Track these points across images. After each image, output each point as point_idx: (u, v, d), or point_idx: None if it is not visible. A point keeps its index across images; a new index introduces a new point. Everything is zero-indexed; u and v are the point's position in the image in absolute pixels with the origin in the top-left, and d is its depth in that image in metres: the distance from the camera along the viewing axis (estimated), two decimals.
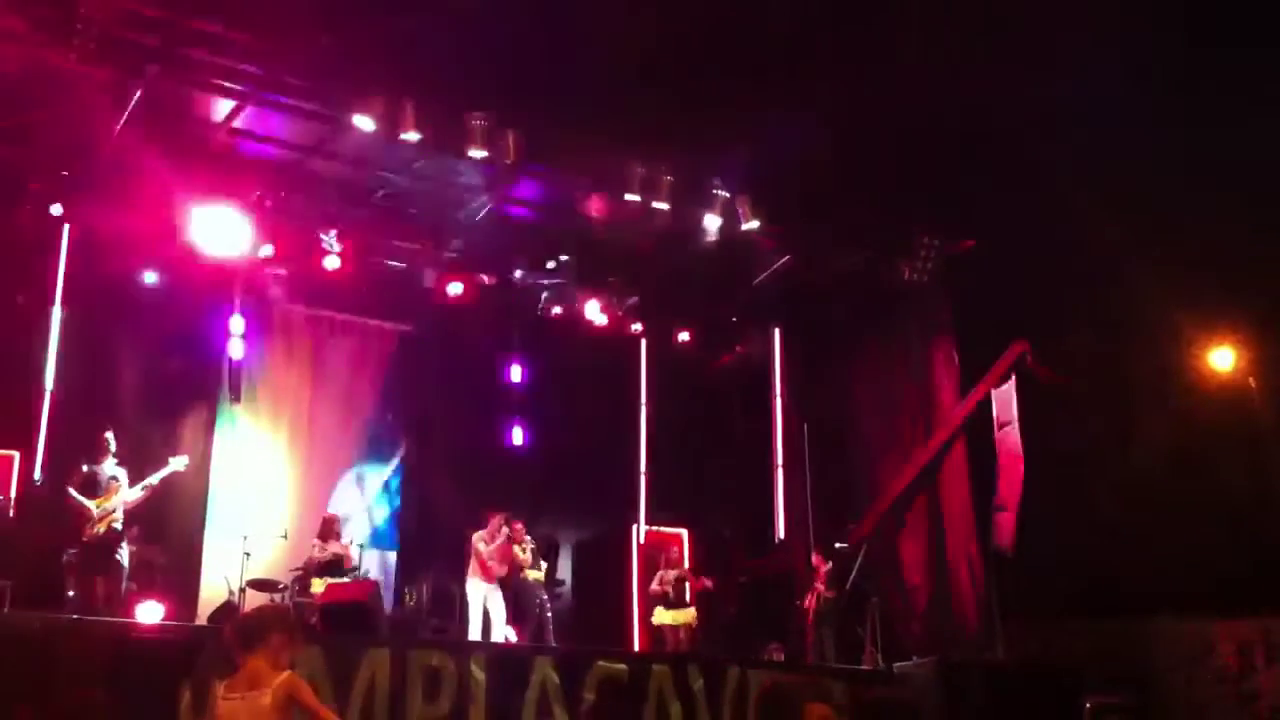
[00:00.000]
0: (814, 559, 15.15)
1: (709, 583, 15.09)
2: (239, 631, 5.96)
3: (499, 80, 12.99)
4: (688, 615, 14.74)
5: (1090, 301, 15.52)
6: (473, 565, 13.92)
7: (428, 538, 15.88)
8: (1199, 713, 15.02)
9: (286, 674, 5.85)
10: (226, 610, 13.15)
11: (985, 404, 15.12)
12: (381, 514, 16.41)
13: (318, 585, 13.27)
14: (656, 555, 15.98)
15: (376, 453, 16.65)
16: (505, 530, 14.02)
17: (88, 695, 9.19)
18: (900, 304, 15.91)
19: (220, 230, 14.09)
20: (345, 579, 13.49)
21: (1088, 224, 14.45)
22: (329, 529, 13.87)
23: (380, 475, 16.58)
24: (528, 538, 14.47)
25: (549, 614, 14.27)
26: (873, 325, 16.44)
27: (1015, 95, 13.56)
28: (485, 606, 13.70)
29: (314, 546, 13.71)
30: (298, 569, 13.62)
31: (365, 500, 16.34)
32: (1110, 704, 13.84)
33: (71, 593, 11.79)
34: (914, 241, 15.35)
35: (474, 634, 13.52)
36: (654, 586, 15.11)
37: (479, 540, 13.95)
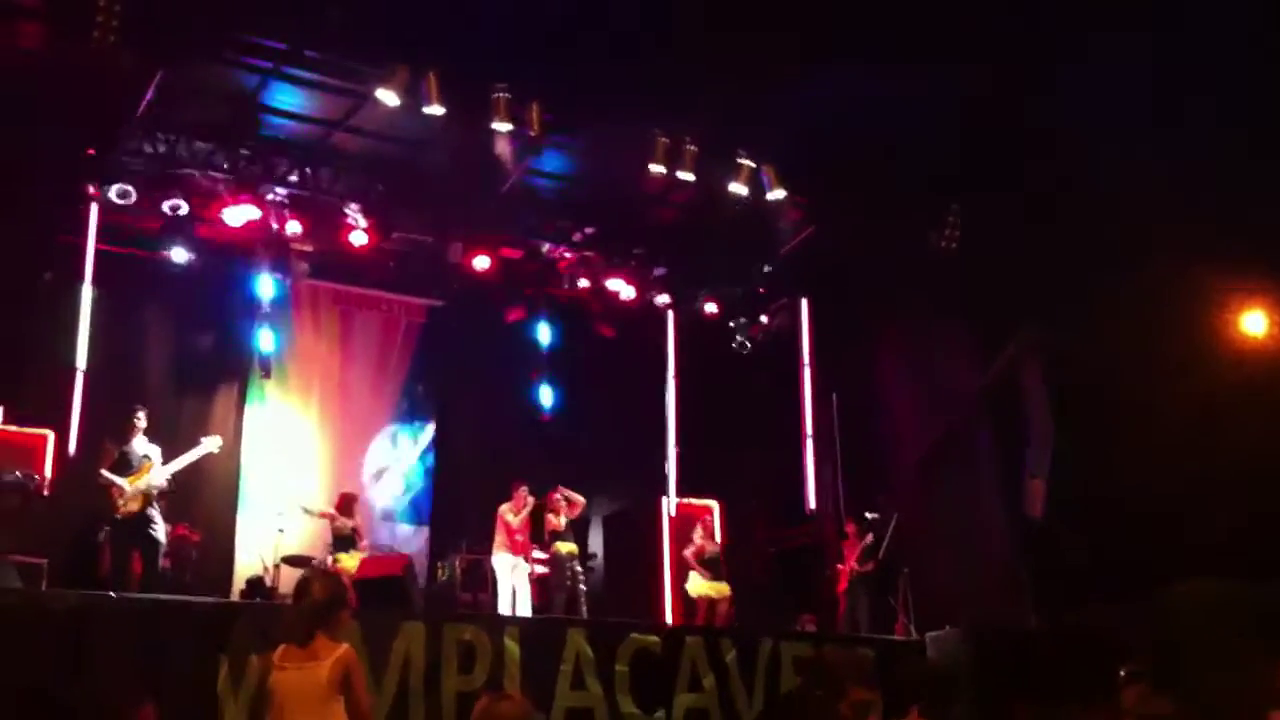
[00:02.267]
0: (848, 528, 15.15)
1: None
2: (318, 607, 5.83)
3: (522, 52, 12.92)
4: (724, 588, 14.78)
5: (1120, 267, 15.36)
6: (500, 539, 13.98)
7: (459, 512, 15.92)
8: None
9: (345, 647, 5.78)
10: (257, 586, 13.27)
11: (1014, 372, 15.03)
12: (413, 488, 16.47)
13: (347, 560, 13.35)
14: (688, 527, 15.98)
15: (407, 427, 16.71)
16: (531, 500, 14.08)
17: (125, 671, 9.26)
18: (928, 273, 15.80)
19: (245, 207, 14.16)
20: (367, 553, 13.65)
21: (1118, 188, 14.29)
22: (348, 506, 13.95)
23: (411, 450, 16.63)
24: (564, 501, 14.54)
25: (582, 587, 14.30)
26: (901, 295, 16.33)
27: (1047, 61, 13.40)
28: (513, 580, 13.76)
29: (333, 520, 13.79)
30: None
31: (396, 475, 16.40)
32: (1143, 671, 13.76)
33: (107, 570, 11.88)
34: (942, 210, 15.24)
35: (503, 607, 13.57)
36: (687, 552, 15.13)
37: (507, 512, 14.01)
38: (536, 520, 14.49)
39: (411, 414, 16.76)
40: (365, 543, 13.93)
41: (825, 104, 13.30)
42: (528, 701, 4.42)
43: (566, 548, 14.40)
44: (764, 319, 17.87)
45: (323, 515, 13.92)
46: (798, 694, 5.69)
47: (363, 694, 5.81)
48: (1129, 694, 5.23)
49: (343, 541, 13.61)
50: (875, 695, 5.35)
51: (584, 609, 14.07)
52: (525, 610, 13.56)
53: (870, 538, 14.78)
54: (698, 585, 14.88)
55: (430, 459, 16.72)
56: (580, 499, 14.76)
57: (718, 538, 15.92)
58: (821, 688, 4.57)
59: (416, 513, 16.31)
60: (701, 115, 14.04)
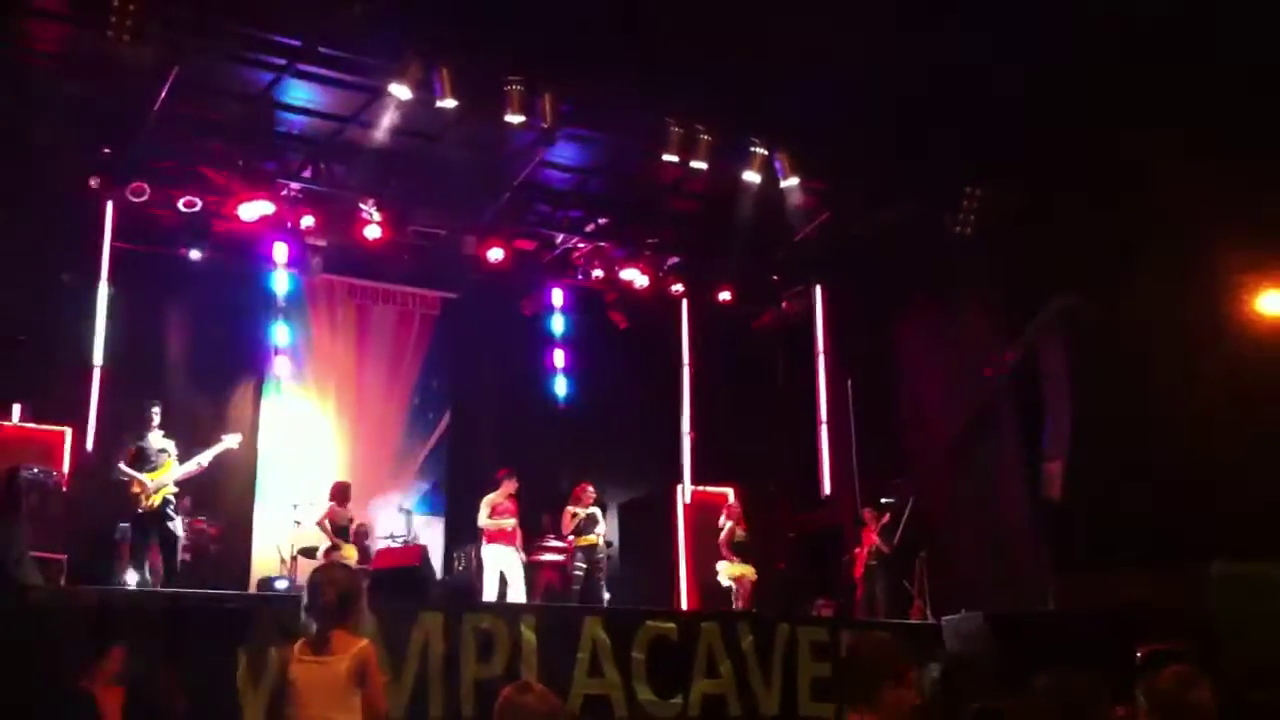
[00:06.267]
0: (865, 514, 15.16)
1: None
2: (330, 609, 5.87)
3: (534, 43, 12.93)
4: (750, 571, 14.88)
5: (1141, 249, 15.31)
6: (491, 530, 13.95)
7: (475, 502, 15.97)
8: (1257, 657, 14.86)
9: (365, 642, 5.83)
10: (269, 586, 13.34)
11: (1032, 355, 15.00)
12: (429, 479, 16.55)
13: (347, 551, 13.41)
14: (704, 514, 16.03)
15: (423, 418, 16.79)
16: (513, 486, 14.03)
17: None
18: (945, 256, 15.76)
19: (260, 203, 14.23)
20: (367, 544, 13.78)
21: (1139, 170, 14.23)
22: (344, 494, 14.00)
23: (427, 441, 16.70)
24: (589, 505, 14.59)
25: (601, 575, 14.35)
26: (917, 279, 16.28)
27: (1062, 34, 13.30)
28: (502, 572, 13.72)
29: (332, 510, 13.82)
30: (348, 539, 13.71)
31: (412, 466, 16.48)
32: (1163, 651, 13.69)
33: (126, 565, 11.97)
34: (959, 193, 15.19)
35: (488, 598, 13.51)
36: (721, 539, 15.21)
37: (495, 500, 13.97)
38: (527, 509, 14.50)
39: (427, 405, 16.83)
40: (361, 530, 14.04)
41: (838, 87, 13.28)
42: (551, 693, 4.46)
43: (587, 540, 14.43)
44: (779, 305, 17.90)
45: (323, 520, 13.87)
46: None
47: (378, 690, 5.86)
48: (1165, 676, 5.15)
49: (341, 532, 13.67)
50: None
51: (604, 599, 14.12)
52: (519, 599, 13.57)
53: (888, 517, 14.80)
54: (731, 569, 14.95)
55: (445, 450, 16.77)
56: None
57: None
58: (857, 679, 4.59)
59: (432, 503, 16.39)
60: (714, 103, 14.02)
